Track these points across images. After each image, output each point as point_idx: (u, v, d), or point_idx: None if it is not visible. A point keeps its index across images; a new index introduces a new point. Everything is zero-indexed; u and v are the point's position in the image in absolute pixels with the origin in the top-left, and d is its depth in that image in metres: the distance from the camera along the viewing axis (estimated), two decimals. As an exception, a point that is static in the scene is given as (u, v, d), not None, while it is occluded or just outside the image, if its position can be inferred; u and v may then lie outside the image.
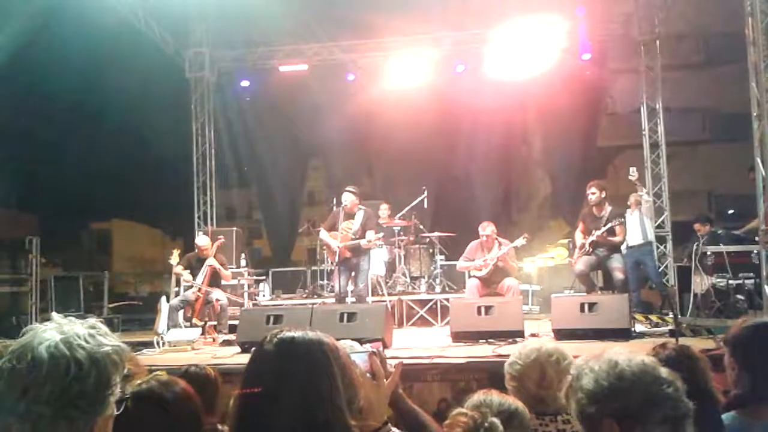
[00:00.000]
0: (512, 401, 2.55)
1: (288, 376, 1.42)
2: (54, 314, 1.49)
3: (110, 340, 1.45)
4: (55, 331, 1.40)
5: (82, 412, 1.37)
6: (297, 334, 1.54)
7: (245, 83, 13.30)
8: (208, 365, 3.55)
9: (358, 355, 1.84)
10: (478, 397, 2.53)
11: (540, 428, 2.67)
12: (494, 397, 2.53)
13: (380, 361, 1.89)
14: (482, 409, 2.34)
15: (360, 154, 13.93)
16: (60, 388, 1.34)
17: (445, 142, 13.14)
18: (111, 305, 12.14)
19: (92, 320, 1.47)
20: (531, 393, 2.78)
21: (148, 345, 7.75)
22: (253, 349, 1.55)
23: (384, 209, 10.96)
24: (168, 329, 8.03)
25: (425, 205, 11.14)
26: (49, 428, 1.33)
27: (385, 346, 6.58)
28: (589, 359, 1.63)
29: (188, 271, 8.77)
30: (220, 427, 3.19)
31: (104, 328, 1.47)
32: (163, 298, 8.44)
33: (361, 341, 2.92)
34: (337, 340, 1.72)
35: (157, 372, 2.50)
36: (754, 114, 7.61)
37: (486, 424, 2.19)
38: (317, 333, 1.55)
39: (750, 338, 2.56)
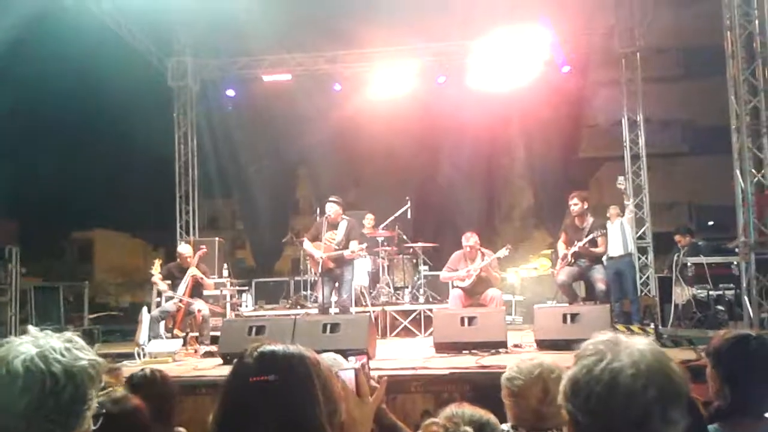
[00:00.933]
0: (483, 413, 2.55)
1: (268, 391, 1.41)
2: (30, 327, 1.47)
3: (86, 354, 1.44)
4: (31, 344, 1.39)
5: (58, 427, 1.36)
6: (278, 347, 1.52)
7: (231, 92, 13.26)
8: (189, 376, 3.56)
9: (344, 372, 1.83)
10: (450, 409, 2.54)
11: None
12: (466, 409, 2.54)
13: (365, 375, 1.88)
14: (454, 420, 2.34)
15: (344, 165, 13.92)
16: (35, 402, 1.33)
17: (429, 152, 13.18)
18: (91, 316, 12.01)
19: (69, 334, 1.46)
20: (531, 408, 2.77)
21: (129, 356, 7.65)
22: (234, 361, 1.53)
23: (369, 219, 10.96)
24: (149, 340, 7.94)
25: (409, 216, 11.15)
26: None
27: (368, 358, 6.56)
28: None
29: (168, 282, 8.68)
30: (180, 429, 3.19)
31: (80, 342, 1.46)
32: (144, 309, 8.36)
33: (345, 353, 2.91)
34: (320, 352, 1.71)
35: (112, 388, 2.50)
36: (733, 126, 7.72)
37: None
38: (298, 347, 1.54)
39: (732, 350, 2.57)
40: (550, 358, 3.07)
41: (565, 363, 2.87)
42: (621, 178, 8.74)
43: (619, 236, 8.85)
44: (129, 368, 6.80)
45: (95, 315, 12.24)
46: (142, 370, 3.41)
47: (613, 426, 1.36)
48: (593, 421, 1.39)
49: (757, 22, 7.55)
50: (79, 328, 11.06)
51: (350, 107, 12.56)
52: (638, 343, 1.43)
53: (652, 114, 12.79)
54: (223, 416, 1.43)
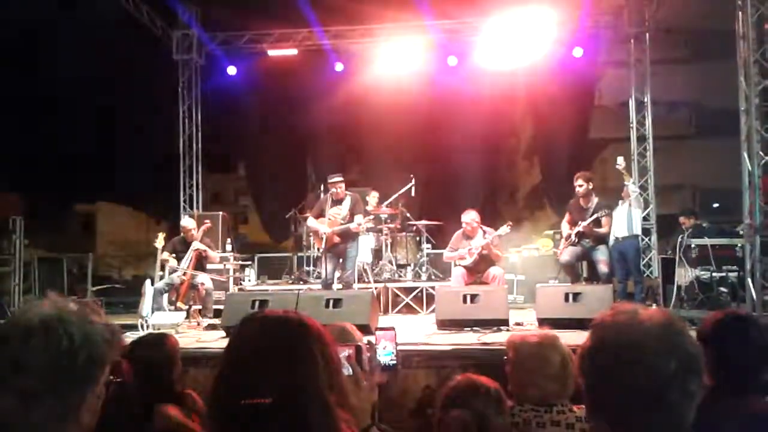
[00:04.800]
0: (491, 384, 2.57)
1: (267, 353, 1.41)
2: (49, 292, 1.49)
3: (104, 319, 1.46)
4: (49, 306, 1.40)
5: (72, 388, 1.36)
6: (280, 313, 1.53)
7: (232, 69, 13.18)
8: (192, 348, 3.59)
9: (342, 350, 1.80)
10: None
11: (534, 419, 2.68)
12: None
13: (368, 357, 1.86)
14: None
15: (349, 142, 13.89)
16: (51, 361, 1.34)
17: (434, 130, 13.14)
18: (95, 288, 12.05)
19: (87, 300, 1.49)
20: (534, 383, 2.78)
21: (132, 328, 7.70)
22: (238, 324, 1.53)
23: (374, 196, 10.96)
24: (152, 312, 7.98)
25: (413, 194, 11.14)
26: (39, 401, 1.32)
27: (370, 333, 6.58)
28: None
29: (173, 255, 8.71)
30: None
31: (98, 308, 1.48)
32: (148, 282, 8.38)
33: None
34: (329, 323, 1.70)
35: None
36: (742, 108, 7.66)
37: None
38: (301, 314, 1.54)
39: (723, 331, 2.57)
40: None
41: (566, 342, 2.89)
42: (620, 159, 8.70)
43: (625, 217, 8.83)
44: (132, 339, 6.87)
45: (98, 287, 12.28)
46: (146, 335, 3.45)
47: (631, 398, 1.35)
48: (610, 394, 1.38)
49: (768, 3, 7.47)
50: (83, 300, 11.10)
51: (355, 84, 12.50)
52: (657, 315, 1.41)
53: (660, 95, 12.70)
54: (223, 378, 1.44)
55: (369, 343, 1.98)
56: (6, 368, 1.32)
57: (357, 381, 1.77)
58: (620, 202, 8.83)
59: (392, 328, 2.18)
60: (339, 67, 12.89)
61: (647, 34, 11.86)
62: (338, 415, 1.43)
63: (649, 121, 11.94)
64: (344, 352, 1.79)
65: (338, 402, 1.45)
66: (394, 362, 2.13)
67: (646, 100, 11.97)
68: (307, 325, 1.49)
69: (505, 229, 8.55)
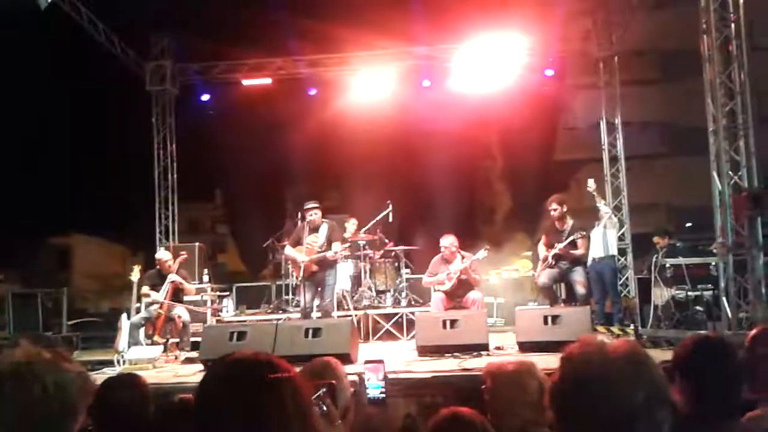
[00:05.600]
0: (477, 419, 2.55)
1: (237, 399, 1.40)
2: (21, 340, 1.48)
3: (76, 367, 1.44)
4: (21, 354, 1.38)
5: None
6: (250, 356, 1.50)
7: (205, 97, 13.20)
8: (170, 383, 3.54)
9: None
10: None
11: None
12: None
13: (331, 397, 1.86)
14: None
15: (325, 169, 13.93)
16: (23, 409, 1.31)
17: (410, 155, 13.24)
18: (70, 322, 11.85)
19: (59, 348, 1.47)
20: (513, 412, 2.78)
21: (109, 363, 7.59)
22: (207, 368, 1.52)
23: (352, 224, 10.96)
24: (129, 347, 7.88)
25: (390, 219, 11.15)
26: None
27: (350, 362, 6.54)
28: None
29: (151, 288, 8.62)
30: None
31: (69, 356, 1.46)
32: (124, 316, 8.28)
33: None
34: (307, 357, 1.68)
35: None
36: (711, 129, 7.80)
37: None
38: (271, 357, 1.52)
39: (697, 359, 2.58)
40: (531, 359, 3.09)
41: (546, 364, 2.90)
42: (591, 181, 8.84)
43: (600, 238, 8.93)
44: (107, 375, 6.76)
45: (74, 321, 12.07)
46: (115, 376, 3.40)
47: (600, 429, 1.36)
48: (580, 424, 1.40)
49: (733, 26, 7.63)
50: (58, 335, 10.92)
51: (331, 111, 12.56)
52: (623, 347, 1.44)
53: (631, 116, 12.90)
54: (198, 424, 1.42)
55: (359, 376, 1.97)
56: None
57: (330, 419, 1.76)
58: (596, 223, 8.93)
59: (381, 361, 2.17)
60: (312, 91, 12.93)
61: (615, 57, 12.07)
62: None
63: (620, 142, 12.11)
64: (318, 392, 1.79)
65: None
66: (383, 395, 2.12)
67: (616, 121, 12.15)
68: (277, 368, 1.48)
69: (482, 253, 8.58)
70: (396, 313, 9.84)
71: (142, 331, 8.34)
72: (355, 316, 9.34)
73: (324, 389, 1.85)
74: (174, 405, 2.86)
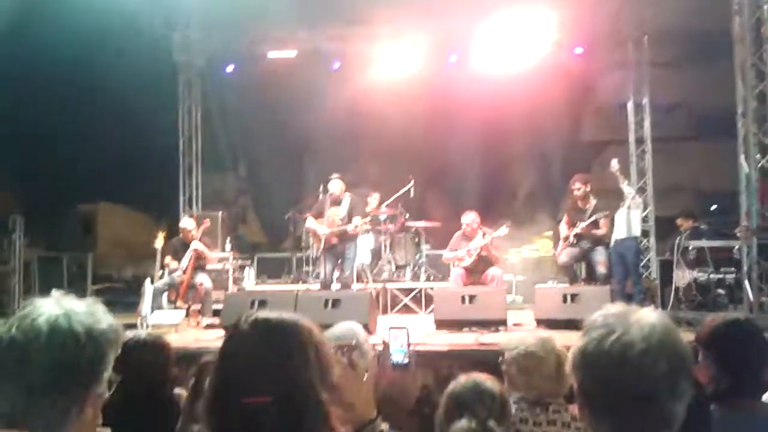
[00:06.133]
0: (496, 385, 2.58)
1: (260, 357, 1.44)
2: (54, 291, 1.52)
3: (107, 318, 1.49)
4: (54, 305, 1.43)
5: (77, 386, 1.40)
6: (273, 315, 1.56)
7: (230, 68, 13.24)
8: (192, 347, 3.62)
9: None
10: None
11: (531, 419, 2.71)
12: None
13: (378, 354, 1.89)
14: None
15: (348, 143, 13.90)
16: (57, 359, 1.37)
17: (434, 132, 13.17)
18: (95, 287, 12.05)
19: (91, 299, 1.51)
20: (532, 384, 2.82)
21: (132, 327, 7.72)
22: (230, 328, 1.57)
23: (374, 198, 10.99)
24: (151, 312, 8.01)
25: (412, 195, 11.17)
26: (43, 399, 1.35)
27: (369, 333, 6.61)
28: None
29: (172, 258, 8.74)
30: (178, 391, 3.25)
31: (102, 307, 1.51)
32: (147, 281, 8.41)
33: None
34: (326, 326, 1.72)
35: None
36: (739, 112, 7.70)
37: None
38: (295, 316, 1.57)
39: (724, 336, 2.59)
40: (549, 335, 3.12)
41: (563, 342, 2.92)
42: (614, 161, 8.76)
43: (624, 219, 8.87)
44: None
45: (98, 286, 12.27)
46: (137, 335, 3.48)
47: (621, 398, 1.37)
48: (601, 394, 1.41)
49: (765, 7, 7.50)
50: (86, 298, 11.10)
51: (355, 86, 12.51)
52: (648, 317, 1.44)
53: (658, 98, 12.72)
54: (218, 381, 1.46)
55: (383, 342, 2.00)
56: (12, 365, 1.35)
57: (353, 377, 1.80)
58: (621, 204, 8.87)
59: (405, 328, 2.20)
60: (336, 64, 12.93)
61: (646, 37, 11.88)
62: (332, 413, 1.46)
63: (647, 124, 11.97)
64: (339, 351, 1.82)
65: (333, 399, 1.48)
66: (407, 360, 2.16)
67: (644, 102, 11.99)
68: (300, 326, 1.52)
69: (503, 230, 8.59)
70: (415, 288, 9.89)
71: (165, 296, 8.48)
72: (374, 289, 9.41)
73: (345, 349, 1.89)
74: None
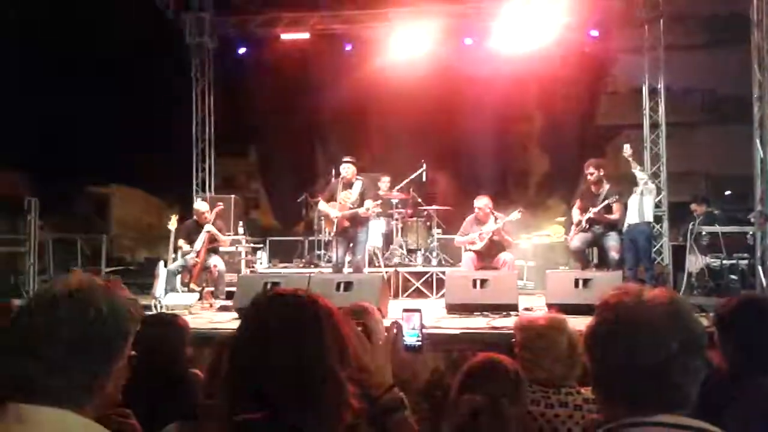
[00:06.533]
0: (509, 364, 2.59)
1: (278, 330, 1.46)
2: (73, 269, 1.55)
3: (127, 294, 1.51)
4: (76, 280, 1.45)
5: (98, 358, 1.42)
6: (289, 290, 1.58)
7: (242, 50, 13.25)
8: (206, 328, 3.64)
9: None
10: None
11: (542, 400, 2.72)
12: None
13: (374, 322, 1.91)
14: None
15: (360, 126, 13.89)
16: (78, 331, 1.39)
17: (446, 115, 13.11)
18: (108, 269, 12.17)
19: (111, 276, 1.54)
20: (541, 364, 2.82)
21: (146, 308, 7.80)
22: (249, 304, 1.59)
23: (385, 182, 10.99)
24: (165, 294, 8.09)
25: (424, 179, 11.16)
26: (65, 370, 1.37)
27: (382, 316, 6.64)
28: None
29: (186, 241, 8.80)
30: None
31: (120, 283, 1.54)
32: (161, 263, 8.49)
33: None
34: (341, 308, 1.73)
35: None
36: (755, 95, 7.63)
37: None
38: (312, 292, 1.58)
39: (741, 314, 2.60)
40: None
41: (575, 327, 2.92)
42: (626, 146, 8.71)
43: (636, 204, 8.84)
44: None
45: (112, 269, 12.40)
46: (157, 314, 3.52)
47: (634, 376, 1.38)
48: (614, 373, 1.42)
49: (784, -11, 7.42)
50: (105, 277, 11.24)
51: (368, 69, 12.48)
52: (661, 295, 1.45)
53: (673, 81, 12.62)
54: (238, 353, 1.49)
55: (396, 322, 2.02)
56: (34, 337, 1.37)
57: (367, 343, 1.82)
58: (634, 189, 8.83)
59: (418, 310, 2.21)
60: (348, 47, 12.90)
61: (661, 20, 11.76)
62: (348, 390, 1.48)
63: (662, 108, 11.87)
64: (353, 317, 1.85)
65: (350, 375, 1.50)
66: (420, 343, 2.17)
67: (659, 86, 11.89)
68: (316, 302, 1.54)
69: (516, 214, 8.58)
70: (426, 272, 9.91)
71: (178, 278, 8.55)
72: (386, 273, 9.43)
73: (360, 313, 1.91)
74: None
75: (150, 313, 7.42)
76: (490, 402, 2.32)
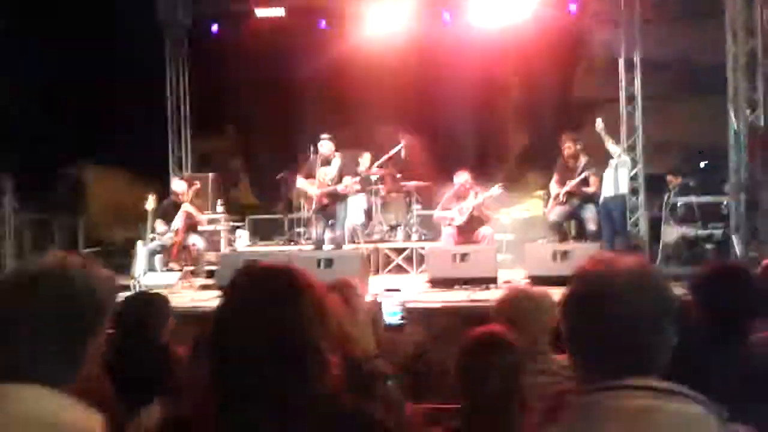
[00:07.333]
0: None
1: (259, 301, 1.46)
2: (50, 250, 1.55)
3: (104, 271, 1.51)
4: (51, 258, 1.44)
5: (76, 336, 1.42)
6: (267, 262, 1.59)
7: (215, 27, 13.08)
8: (187, 306, 3.65)
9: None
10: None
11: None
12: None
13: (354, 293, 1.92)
14: None
15: (339, 102, 13.81)
16: (54, 308, 1.38)
17: (424, 91, 13.07)
18: (86, 250, 12.04)
19: (86, 254, 1.54)
20: (531, 335, 2.86)
21: (125, 289, 7.76)
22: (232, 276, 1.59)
23: (366, 158, 10.98)
24: (144, 273, 8.05)
25: (402, 155, 11.15)
26: (44, 348, 1.37)
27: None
28: None
29: (163, 221, 8.74)
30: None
31: (96, 261, 1.53)
32: (139, 243, 8.44)
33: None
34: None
35: None
36: (729, 66, 7.70)
37: None
38: (290, 263, 1.59)
39: (715, 280, 2.66)
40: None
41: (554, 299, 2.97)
42: (599, 121, 8.80)
43: (612, 177, 8.92)
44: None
45: (89, 249, 12.27)
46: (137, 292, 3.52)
47: (607, 342, 1.41)
48: (588, 338, 1.45)
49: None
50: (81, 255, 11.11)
51: (345, 44, 12.37)
52: (633, 262, 1.48)
53: (650, 54, 12.66)
54: (220, 326, 1.49)
55: (375, 301, 2.03)
56: (12, 316, 1.37)
57: (349, 313, 1.83)
58: (610, 162, 8.91)
59: (399, 290, 2.22)
60: (323, 23, 12.80)
61: (637, -7, 11.77)
62: (330, 362, 1.49)
63: (638, 81, 11.92)
64: (334, 289, 1.86)
65: (333, 344, 1.51)
66: (402, 321, 2.18)
67: (635, 59, 11.93)
68: (297, 274, 1.54)
69: (495, 189, 8.62)
70: (406, 248, 9.95)
71: (158, 258, 8.51)
72: (366, 249, 9.46)
73: (340, 285, 1.92)
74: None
75: (129, 293, 7.43)
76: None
